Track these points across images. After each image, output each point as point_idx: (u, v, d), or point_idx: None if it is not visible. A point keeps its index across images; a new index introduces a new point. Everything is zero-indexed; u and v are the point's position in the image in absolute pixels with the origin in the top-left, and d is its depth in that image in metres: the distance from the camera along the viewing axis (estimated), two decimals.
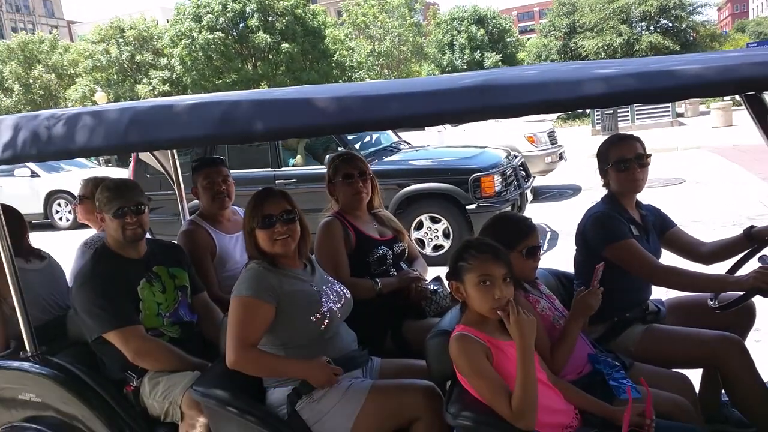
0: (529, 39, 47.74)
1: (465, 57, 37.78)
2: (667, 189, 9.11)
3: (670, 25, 30.53)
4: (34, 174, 12.24)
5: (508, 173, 6.97)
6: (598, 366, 1.95)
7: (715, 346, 2.14)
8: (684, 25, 30.00)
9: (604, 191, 2.41)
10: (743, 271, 2.16)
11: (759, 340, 2.52)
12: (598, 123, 19.90)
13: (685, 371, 2.20)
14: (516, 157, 7.56)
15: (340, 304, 2.14)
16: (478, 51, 37.89)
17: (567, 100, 1.39)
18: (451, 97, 1.42)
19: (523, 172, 7.44)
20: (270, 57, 24.94)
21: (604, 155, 2.34)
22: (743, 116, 20.61)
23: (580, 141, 16.92)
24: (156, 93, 25.71)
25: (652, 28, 31.12)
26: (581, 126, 22.02)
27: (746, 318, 2.35)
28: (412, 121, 1.58)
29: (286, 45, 23.83)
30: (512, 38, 41.28)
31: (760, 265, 2.08)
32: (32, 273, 2.60)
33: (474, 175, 6.56)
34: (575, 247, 2.41)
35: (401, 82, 1.98)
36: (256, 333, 1.98)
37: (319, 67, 25.61)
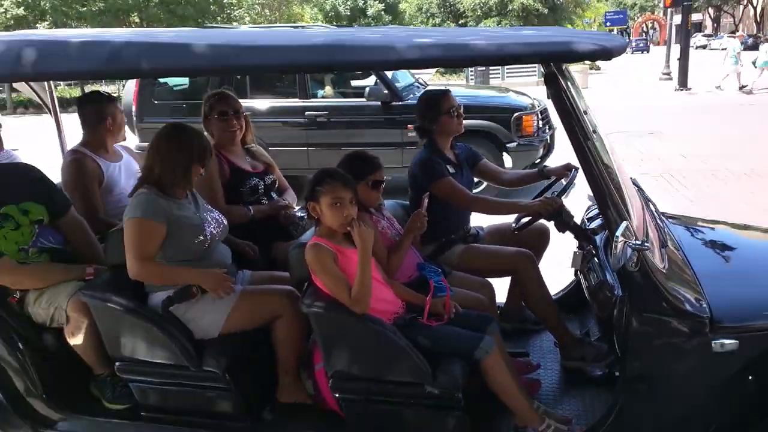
0: None
1: (349, 3, 37.52)
2: None
3: None
4: None
5: (542, 114, 7.14)
6: (423, 272, 2.50)
7: (511, 260, 2.79)
8: None
9: None
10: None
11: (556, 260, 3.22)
12: (471, 79, 21.06)
13: (496, 280, 2.84)
14: (540, 101, 7.37)
15: (218, 229, 2.48)
16: None
17: (395, 62, 1.86)
18: (304, 53, 1.81)
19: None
20: None
21: (434, 107, 2.87)
22: (596, 79, 22.68)
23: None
24: (8, 16, 23.16)
25: None
26: (457, 80, 23.08)
27: (541, 239, 3.03)
28: (273, 69, 1.95)
29: None
30: None
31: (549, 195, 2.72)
32: None
33: (517, 113, 6.66)
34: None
35: (268, 34, 2.33)
36: (152, 248, 2.27)
37: (195, 1, 24.37)
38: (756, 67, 17.54)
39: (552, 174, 2.94)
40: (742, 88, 17.14)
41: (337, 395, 2.23)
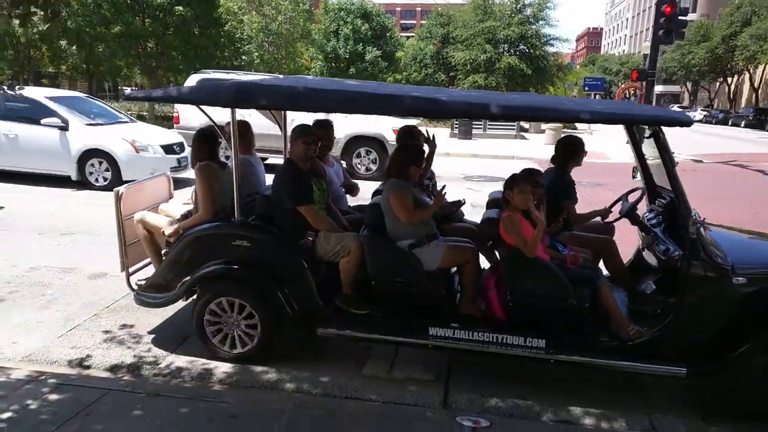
0: (408, 39, 51.01)
1: (348, 47, 40.07)
2: (491, 184, 12.11)
3: (527, 51, 35.12)
4: (63, 126, 9.85)
5: None
6: (552, 243, 4.08)
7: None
8: (537, 53, 34.68)
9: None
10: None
11: None
12: (456, 128, 23.26)
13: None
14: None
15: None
16: (361, 44, 40.34)
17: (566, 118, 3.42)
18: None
19: None
20: (161, 15, 25.31)
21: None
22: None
23: (439, 140, 20.05)
24: (34, 31, 25.00)
25: (511, 51, 35.55)
26: (444, 128, 25.22)
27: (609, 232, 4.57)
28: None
29: (180, 7, 24.41)
30: (393, 37, 44.21)
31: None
32: (227, 174, 4.15)
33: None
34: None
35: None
36: (412, 207, 3.75)
37: (209, 34, 26.38)
38: None
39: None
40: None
41: (510, 305, 3.61)
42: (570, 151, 4.49)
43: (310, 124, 4.36)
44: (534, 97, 4.13)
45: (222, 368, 3.89)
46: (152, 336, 4.39)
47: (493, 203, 4.43)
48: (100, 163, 9.90)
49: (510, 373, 3.92)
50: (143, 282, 4.31)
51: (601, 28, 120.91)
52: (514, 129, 24.50)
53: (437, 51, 39.65)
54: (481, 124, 23.60)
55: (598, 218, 4.57)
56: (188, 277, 3.95)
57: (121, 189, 4.29)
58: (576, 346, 3.53)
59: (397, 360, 4.07)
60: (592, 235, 4.50)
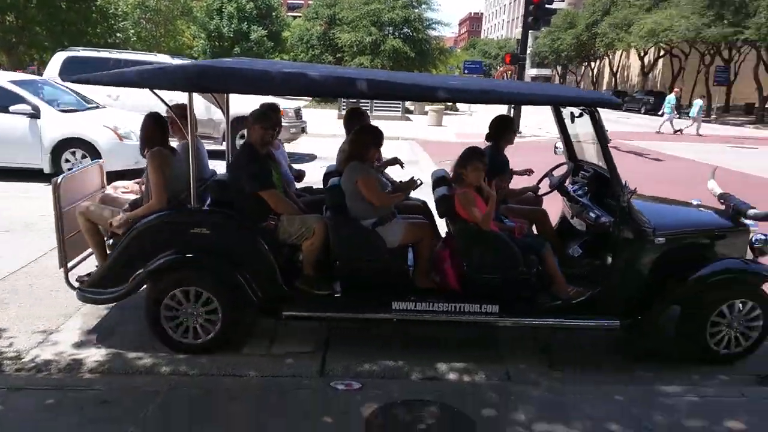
0: (295, 19, 50.24)
1: (233, 26, 38.81)
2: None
3: (411, 34, 35.90)
4: (34, 113, 8.81)
5: None
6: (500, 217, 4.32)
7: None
8: (420, 37, 35.58)
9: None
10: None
11: None
12: (343, 109, 23.42)
13: None
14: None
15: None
16: (246, 22, 39.23)
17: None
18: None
19: None
20: None
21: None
22: (450, 119, 25.98)
23: (328, 121, 20.17)
24: None
25: (396, 33, 36.18)
26: (331, 109, 25.28)
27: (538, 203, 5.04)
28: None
29: None
30: (279, 17, 43.38)
31: None
32: (177, 160, 4.05)
33: None
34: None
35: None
36: (379, 189, 3.99)
37: (78, 8, 24.50)
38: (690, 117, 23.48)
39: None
40: (676, 132, 22.55)
41: (467, 275, 3.90)
42: (502, 129, 4.76)
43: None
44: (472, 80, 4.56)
45: (93, 357, 3.79)
46: (12, 330, 4.16)
47: (440, 181, 4.54)
48: (77, 153, 8.90)
49: (384, 339, 4.16)
50: (85, 278, 4.06)
51: (482, 13, 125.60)
52: (399, 111, 25.06)
53: (324, 32, 39.45)
54: (367, 105, 23.92)
55: (530, 192, 4.98)
56: (142, 270, 3.77)
57: (59, 178, 4.01)
58: (525, 310, 3.89)
59: (277, 336, 4.16)
60: (525, 207, 4.87)
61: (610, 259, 3.88)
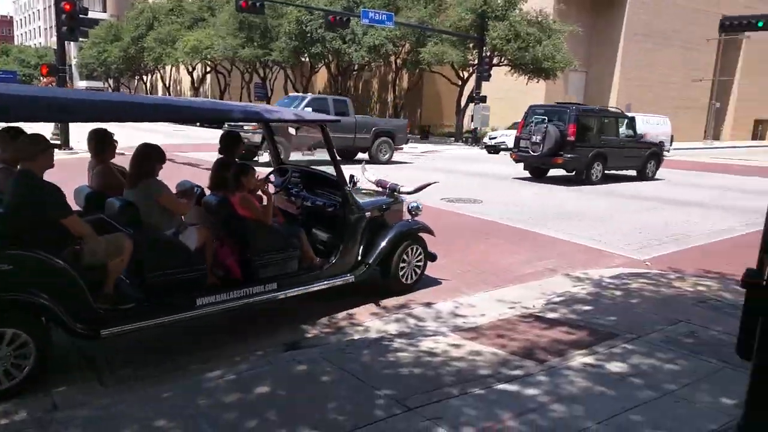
0: None
1: None
2: None
3: None
4: None
5: None
6: None
7: None
8: None
9: None
10: None
11: None
12: None
13: None
14: None
15: None
16: None
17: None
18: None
19: None
20: None
21: None
22: None
23: None
24: None
25: None
26: None
27: None
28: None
29: None
30: None
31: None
32: None
33: None
34: None
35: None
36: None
37: None
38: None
39: None
40: None
41: (251, 263, 4.77)
42: (229, 143, 5.66)
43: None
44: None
45: None
46: None
47: (190, 191, 5.23)
48: None
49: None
50: None
51: (11, 17, 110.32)
52: None
53: None
54: None
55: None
56: None
57: None
58: (293, 282, 5.00)
59: None
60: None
61: (342, 232, 5.41)
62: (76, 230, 3.97)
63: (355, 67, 39.59)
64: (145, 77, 58.62)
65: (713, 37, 40.81)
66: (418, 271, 6.05)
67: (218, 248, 4.79)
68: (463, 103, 33.06)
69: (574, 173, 15.98)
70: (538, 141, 15.37)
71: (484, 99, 29.36)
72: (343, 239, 5.37)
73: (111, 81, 65.43)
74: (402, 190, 6.17)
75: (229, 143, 5.60)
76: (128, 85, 64.05)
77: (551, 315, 5.24)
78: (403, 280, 5.88)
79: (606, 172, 16.34)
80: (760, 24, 20.60)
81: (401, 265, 5.82)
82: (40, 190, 3.82)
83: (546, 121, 15.54)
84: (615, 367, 4.11)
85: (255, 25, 37.85)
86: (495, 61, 30.87)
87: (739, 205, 12.72)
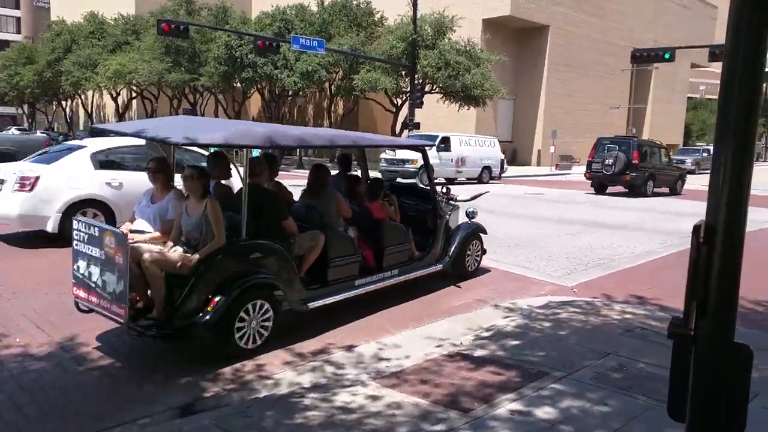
0: None
1: None
2: None
3: None
4: None
5: None
6: None
7: None
8: None
9: None
10: None
11: None
12: None
13: None
14: None
15: None
16: None
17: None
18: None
19: None
20: None
21: None
22: None
23: None
24: None
25: None
26: None
27: None
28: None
29: None
30: None
31: None
32: None
33: None
34: None
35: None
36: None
37: None
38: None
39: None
40: None
41: (382, 256, 6.45)
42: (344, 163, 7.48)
43: None
44: None
45: None
46: None
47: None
48: None
49: None
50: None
51: None
52: None
53: None
54: None
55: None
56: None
57: None
58: (407, 270, 6.69)
59: None
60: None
61: (433, 231, 7.10)
62: (291, 229, 5.27)
63: (290, 93, 39.13)
64: (64, 102, 55.73)
65: (627, 68, 43.08)
66: (478, 260, 7.89)
67: (360, 242, 6.08)
68: (397, 129, 33.18)
69: (631, 188, 20.78)
70: (610, 163, 20.52)
71: (417, 126, 29.55)
72: (434, 237, 7.05)
73: (26, 106, 61.97)
74: (458, 198, 8.08)
75: (344, 162, 7.41)
76: (45, 111, 60.81)
77: (479, 353, 4.98)
78: (468, 268, 7.68)
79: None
80: (667, 56, 23.76)
81: (467, 255, 7.61)
82: (264, 199, 5.12)
83: (617, 148, 20.73)
84: (543, 413, 3.84)
85: (182, 50, 36.85)
86: (427, 88, 31.20)
87: (659, 226, 13.08)
